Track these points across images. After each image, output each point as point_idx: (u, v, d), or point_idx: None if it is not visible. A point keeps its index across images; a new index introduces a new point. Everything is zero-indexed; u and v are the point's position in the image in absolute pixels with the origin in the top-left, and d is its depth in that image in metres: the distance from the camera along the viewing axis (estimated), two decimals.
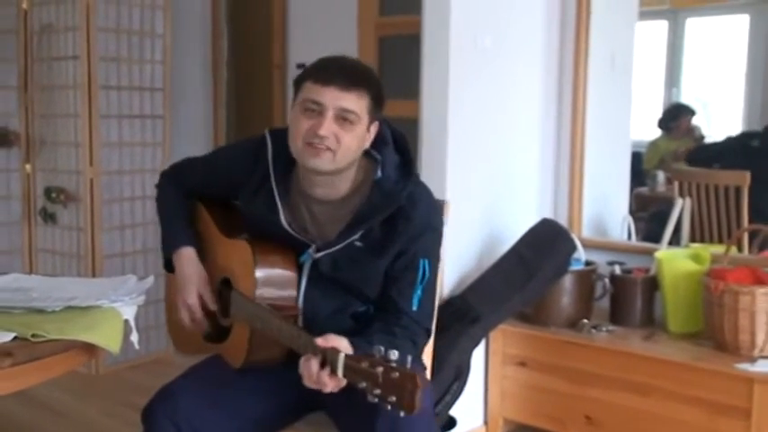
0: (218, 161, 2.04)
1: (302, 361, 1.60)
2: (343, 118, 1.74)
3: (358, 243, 1.80)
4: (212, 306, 1.94)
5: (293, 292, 1.84)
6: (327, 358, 1.55)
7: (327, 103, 1.74)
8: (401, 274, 1.82)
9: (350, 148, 1.76)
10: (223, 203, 2.04)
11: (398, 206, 1.79)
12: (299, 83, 1.81)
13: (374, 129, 1.83)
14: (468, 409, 2.93)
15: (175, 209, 2.05)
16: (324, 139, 1.73)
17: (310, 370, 1.56)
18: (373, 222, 1.79)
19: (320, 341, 1.58)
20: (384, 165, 1.84)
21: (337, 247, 1.81)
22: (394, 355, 1.45)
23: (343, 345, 1.59)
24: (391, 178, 1.83)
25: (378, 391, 1.44)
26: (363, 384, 1.46)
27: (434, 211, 1.89)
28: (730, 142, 3.59)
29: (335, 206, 1.85)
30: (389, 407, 1.43)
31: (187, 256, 1.97)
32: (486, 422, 3.04)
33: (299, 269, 1.85)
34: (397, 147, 1.89)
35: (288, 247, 1.85)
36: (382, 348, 1.47)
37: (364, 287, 1.84)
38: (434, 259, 1.86)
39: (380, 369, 1.44)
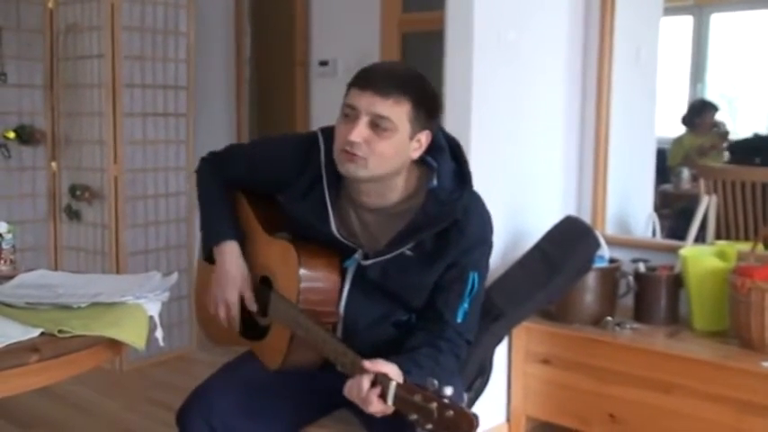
0: (263, 156, 1.95)
1: (351, 380, 1.56)
2: (377, 125, 1.68)
3: (409, 252, 1.76)
4: (252, 307, 1.91)
5: (335, 298, 1.80)
6: (378, 382, 1.52)
7: (362, 107, 1.69)
8: (450, 286, 1.78)
9: (384, 157, 1.70)
10: (265, 196, 1.96)
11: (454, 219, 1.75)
12: (348, 87, 1.75)
13: (425, 138, 1.76)
14: (491, 407, 2.93)
15: (219, 198, 1.98)
16: (354, 145, 1.68)
17: (360, 387, 1.52)
18: (427, 234, 1.75)
19: (368, 365, 1.54)
20: (440, 173, 1.78)
21: (388, 255, 1.76)
22: (449, 390, 1.42)
23: (393, 371, 1.54)
24: (447, 188, 1.78)
25: (429, 426, 1.41)
26: (414, 416, 1.43)
27: (487, 223, 1.85)
28: None
29: (387, 215, 1.80)
30: None
31: (231, 252, 1.91)
32: (508, 419, 3.04)
33: (343, 273, 1.81)
34: (453, 154, 1.83)
35: (332, 250, 1.81)
36: (436, 382, 1.43)
37: (411, 296, 1.81)
38: (483, 272, 1.83)
39: (434, 405, 1.41)
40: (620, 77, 3.24)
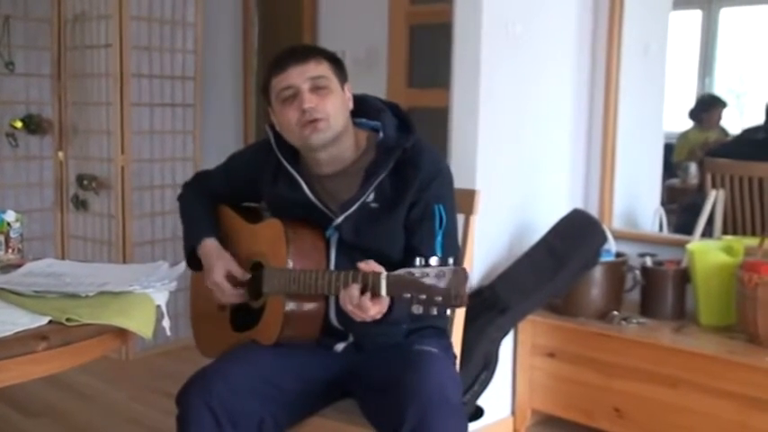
0: (234, 163, 2.13)
1: (343, 291, 1.68)
2: (317, 86, 1.84)
3: (373, 204, 1.86)
4: (242, 276, 1.97)
5: (323, 264, 1.88)
6: (369, 282, 1.63)
7: (296, 82, 1.84)
8: (419, 224, 1.87)
9: (337, 110, 1.85)
10: (246, 204, 2.12)
11: (405, 156, 1.86)
12: (265, 89, 1.93)
13: (348, 90, 1.92)
14: (496, 400, 2.93)
15: (197, 209, 2.12)
16: (312, 111, 1.82)
17: (352, 295, 1.65)
18: (383, 173, 1.85)
19: (362, 265, 1.66)
20: (385, 129, 1.93)
21: (354, 206, 1.85)
22: (434, 260, 1.55)
23: (382, 270, 1.66)
24: (392, 136, 1.91)
25: (423, 297, 1.53)
26: (407, 295, 1.55)
27: (440, 158, 1.96)
28: (737, 139, 3.54)
29: (346, 174, 1.91)
30: (436, 309, 1.53)
31: (210, 246, 2.03)
32: (513, 413, 3.04)
33: (327, 244, 1.90)
34: (394, 113, 1.96)
35: (314, 223, 1.90)
36: (422, 260, 1.57)
37: (388, 249, 1.87)
38: (449, 204, 1.91)
39: (422, 272, 1.54)
40: (629, 71, 3.23)
